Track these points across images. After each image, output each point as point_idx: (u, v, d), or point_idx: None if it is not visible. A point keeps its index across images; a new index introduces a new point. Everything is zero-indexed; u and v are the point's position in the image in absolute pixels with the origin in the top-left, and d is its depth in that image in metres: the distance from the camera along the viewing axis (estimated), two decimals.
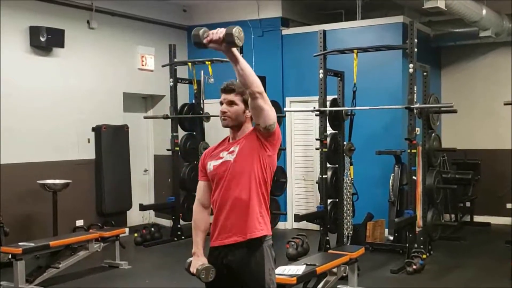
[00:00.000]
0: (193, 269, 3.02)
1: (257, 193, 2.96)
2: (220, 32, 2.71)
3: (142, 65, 9.29)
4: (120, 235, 6.96)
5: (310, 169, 9.08)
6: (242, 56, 7.94)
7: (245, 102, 2.98)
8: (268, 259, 2.97)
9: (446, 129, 9.84)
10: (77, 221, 8.01)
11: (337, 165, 7.41)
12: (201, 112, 8.68)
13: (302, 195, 9.25)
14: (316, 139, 7.29)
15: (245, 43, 9.06)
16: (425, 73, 7.28)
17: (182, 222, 8.65)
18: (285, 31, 9.27)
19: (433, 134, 7.39)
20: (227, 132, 3.12)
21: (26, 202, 7.44)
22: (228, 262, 2.98)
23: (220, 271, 3.00)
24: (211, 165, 3.04)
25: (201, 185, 3.14)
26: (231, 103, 2.98)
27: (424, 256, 6.67)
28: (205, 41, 2.74)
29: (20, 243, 5.92)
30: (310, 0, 9.30)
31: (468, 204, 9.40)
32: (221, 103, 3.01)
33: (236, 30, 2.67)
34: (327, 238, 7.15)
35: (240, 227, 2.94)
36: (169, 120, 8.63)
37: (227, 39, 2.69)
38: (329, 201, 7.34)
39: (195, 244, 3.08)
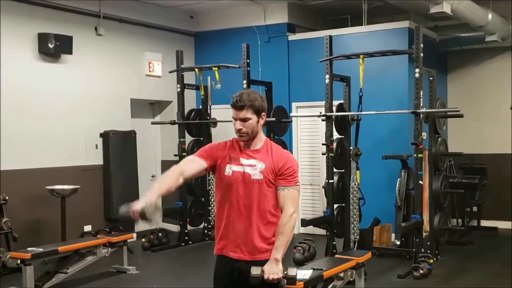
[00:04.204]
0: (137, 207, 2.79)
1: (272, 217, 3.01)
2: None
3: (150, 71, 9.34)
4: (128, 240, 6.98)
5: (317, 174, 9.10)
6: (249, 63, 7.96)
7: (257, 112, 3.00)
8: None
9: (453, 134, 9.83)
10: (85, 227, 8.07)
11: (343, 170, 7.42)
12: (208, 117, 8.72)
13: (308, 200, 9.26)
14: (323, 144, 7.30)
15: (252, 49, 9.13)
16: (431, 78, 7.29)
17: (189, 227, 8.68)
18: (291, 37, 9.30)
19: (439, 139, 7.39)
20: (233, 136, 3.15)
21: (35, 207, 7.49)
22: (240, 265, 3.03)
23: (231, 274, 3.05)
24: (231, 169, 3.02)
25: (195, 159, 3.05)
26: (244, 119, 2.98)
27: (431, 260, 6.66)
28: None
29: (28, 248, 5.95)
30: (316, 5, 9.33)
31: (475, 208, 9.37)
32: (234, 119, 3.01)
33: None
34: (334, 242, 7.15)
35: (255, 249, 3.00)
36: (177, 125, 8.68)
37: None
38: (335, 206, 7.34)
39: (152, 190, 2.86)
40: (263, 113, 3.04)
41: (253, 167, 2.99)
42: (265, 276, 2.87)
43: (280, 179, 2.99)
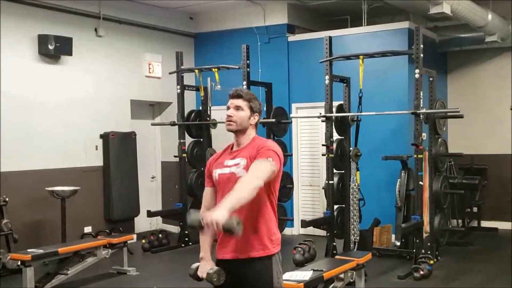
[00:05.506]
0: (202, 274, 3.02)
1: (265, 210, 2.97)
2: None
3: (150, 72, 9.34)
4: (128, 242, 6.98)
5: (317, 175, 9.09)
6: (248, 64, 7.87)
7: (251, 109, 3.07)
8: (276, 263, 3.00)
9: (453, 134, 9.83)
10: (85, 228, 8.07)
11: (343, 171, 7.41)
12: (208, 118, 8.71)
13: (308, 201, 9.26)
14: (323, 145, 7.30)
15: (252, 50, 9.11)
16: (431, 78, 7.29)
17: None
18: (291, 38, 9.30)
19: (439, 139, 7.39)
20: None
21: (35, 209, 7.49)
22: (233, 267, 3.00)
23: (227, 277, 3.01)
24: (217, 173, 3.07)
25: (207, 191, 3.17)
26: (237, 108, 3.05)
27: (432, 261, 6.66)
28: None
29: (29, 250, 5.96)
30: (316, 6, 9.34)
31: (475, 209, 9.37)
32: (228, 108, 3.08)
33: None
34: (334, 243, 7.14)
35: (249, 246, 2.96)
36: (176, 126, 8.68)
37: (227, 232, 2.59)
38: (335, 206, 7.33)
39: (203, 249, 3.11)
40: (256, 114, 3.09)
41: (238, 165, 3.00)
42: (203, 221, 2.56)
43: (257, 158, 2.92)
